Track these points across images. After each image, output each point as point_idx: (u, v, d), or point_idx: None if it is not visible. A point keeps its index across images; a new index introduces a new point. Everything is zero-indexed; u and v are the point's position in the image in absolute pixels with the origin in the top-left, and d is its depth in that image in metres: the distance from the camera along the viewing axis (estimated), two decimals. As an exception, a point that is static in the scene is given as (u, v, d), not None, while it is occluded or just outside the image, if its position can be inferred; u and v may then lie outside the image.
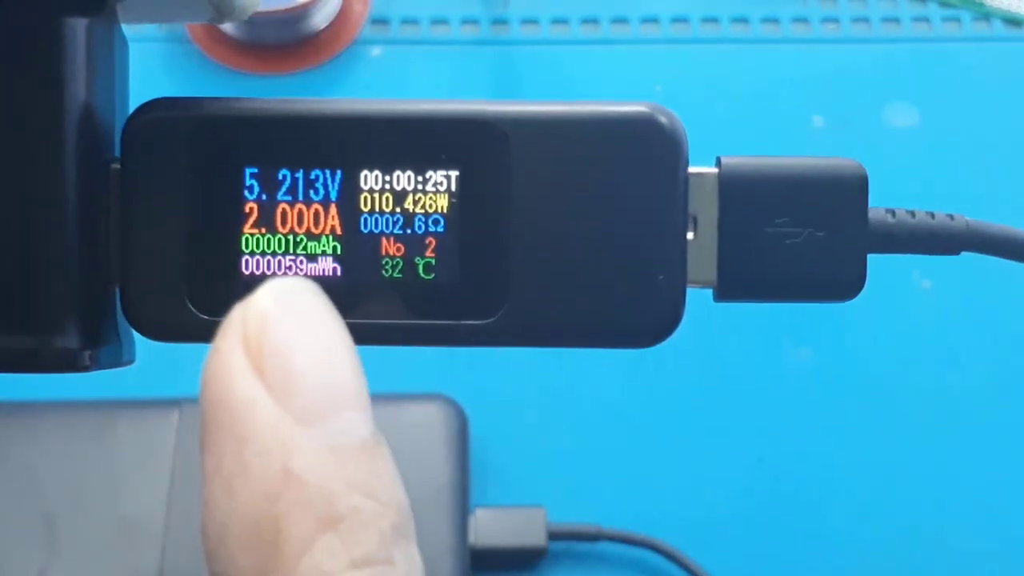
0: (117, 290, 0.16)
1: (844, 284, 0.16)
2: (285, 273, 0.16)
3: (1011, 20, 0.46)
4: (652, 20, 0.46)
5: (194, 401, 0.39)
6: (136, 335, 0.17)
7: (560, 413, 0.38)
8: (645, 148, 0.16)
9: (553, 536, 0.35)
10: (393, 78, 0.44)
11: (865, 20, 0.46)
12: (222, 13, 0.17)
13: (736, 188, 0.16)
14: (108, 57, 0.16)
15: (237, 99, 0.16)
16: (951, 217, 0.17)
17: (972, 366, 0.39)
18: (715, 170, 0.16)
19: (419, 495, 0.35)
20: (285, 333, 0.12)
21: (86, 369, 0.16)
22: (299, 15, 0.44)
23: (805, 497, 0.37)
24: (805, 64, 0.45)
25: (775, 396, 0.39)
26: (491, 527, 0.35)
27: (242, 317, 0.12)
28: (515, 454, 0.37)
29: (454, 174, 0.16)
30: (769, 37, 0.46)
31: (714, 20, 0.46)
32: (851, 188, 0.16)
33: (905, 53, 0.45)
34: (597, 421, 0.38)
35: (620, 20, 0.46)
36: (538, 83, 0.44)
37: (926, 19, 0.46)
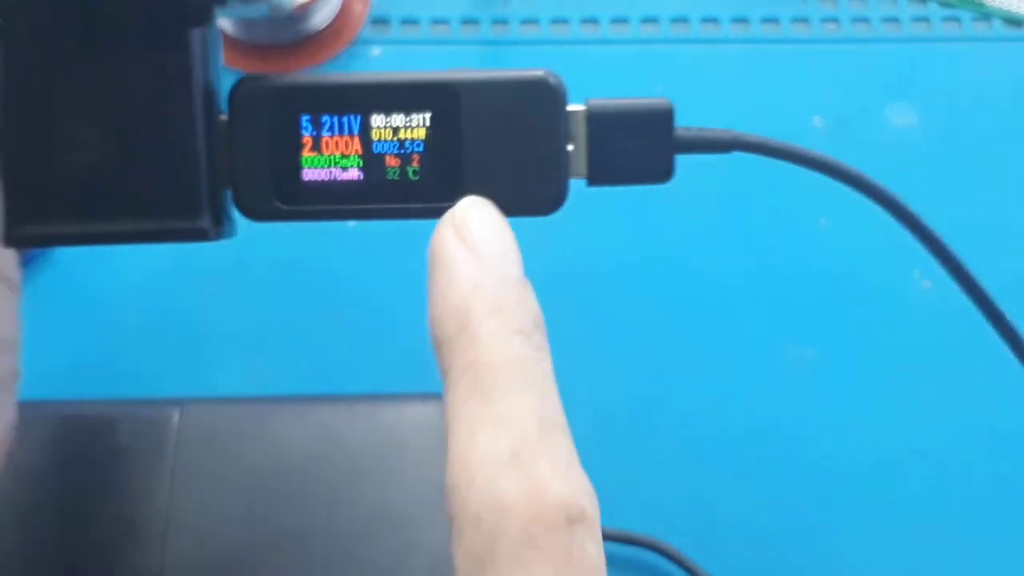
0: (229, 191, 0.25)
1: (660, 172, 0.26)
2: (331, 179, 0.25)
3: (1011, 20, 0.46)
4: (652, 20, 0.46)
5: (193, 401, 0.39)
6: (239, 219, 0.26)
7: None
8: (541, 95, 0.25)
9: (553, 536, 0.35)
10: (393, 78, 0.44)
11: (865, 20, 0.46)
12: (276, 9, 0.25)
13: (597, 118, 0.25)
14: (213, 48, 0.26)
15: (295, 74, 0.25)
16: (725, 130, 0.27)
17: (972, 366, 0.39)
18: (584, 108, 0.25)
19: (419, 495, 0.35)
20: (475, 219, 0.23)
21: (214, 239, 0.25)
22: (299, 15, 0.44)
23: (805, 497, 0.38)
24: (805, 64, 0.45)
25: (775, 396, 0.39)
26: (491, 527, 0.34)
27: (452, 212, 0.23)
28: (515, 454, 0.37)
29: (428, 115, 0.25)
30: (769, 37, 0.46)
31: (714, 20, 0.46)
32: (663, 116, 0.25)
33: (905, 53, 0.45)
34: (597, 421, 0.38)
35: (620, 20, 0.46)
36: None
37: (926, 19, 0.46)
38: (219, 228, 0.25)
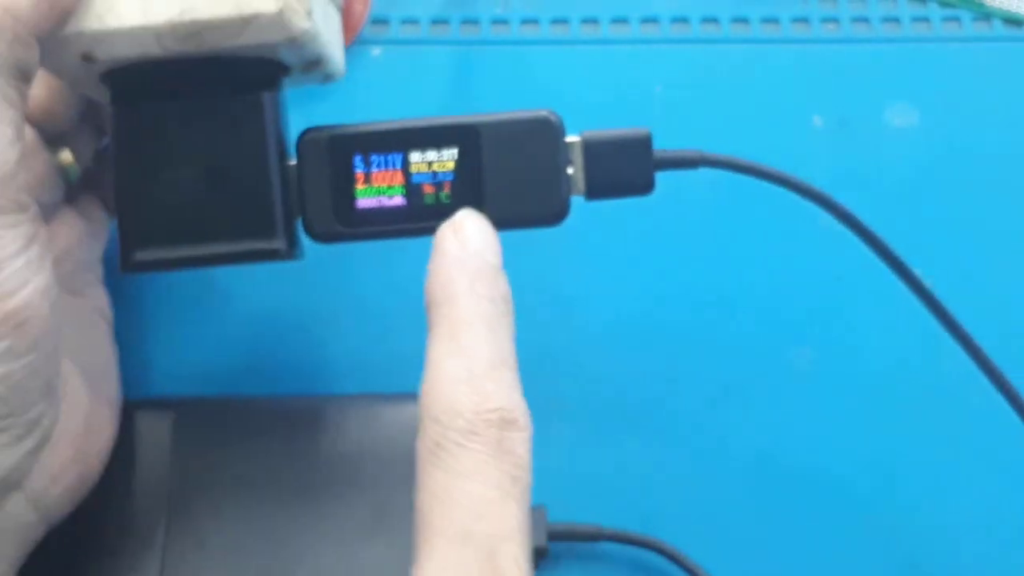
0: (300, 219, 0.31)
1: (643, 187, 0.32)
2: (379, 205, 0.31)
3: (1011, 20, 0.46)
4: (652, 20, 0.46)
5: (191, 401, 0.39)
6: (307, 242, 0.32)
7: (560, 413, 0.38)
8: (544, 130, 0.31)
9: (553, 536, 0.35)
10: (393, 78, 0.44)
11: (865, 20, 0.46)
12: (331, 77, 0.34)
13: (590, 146, 0.32)
14: (282, 106, 0.31)
15: (345, 124, 0.31)
16: (693, 151, 0.33)
17: (973, 366, 0.39)
18: (579, 138, 0.32)
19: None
20: (468, 225, 0.29)
21: (288, 259, 0.31)
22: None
23: (805, 497, 0.38)
24: (805, 64, 0.45)
25: (775, 396, 0.39)
26: (491, 527, 0.34)
27: (451, 220, 0.29)
28: (515, 454, 0.37)
29: (455, 150, 0.31)
30: (769, 37, 0.46)
31: (714, 20, 0.46)
32: (643, 141, 0.32)
33: (905, 53, 0.45)
34: (596, 420, 0.38)
35: (620, 20, 0.46)
36: (538, 83, 0.44)
37: (926, 19, 0.46)
38: (292, 249, 0.31)
